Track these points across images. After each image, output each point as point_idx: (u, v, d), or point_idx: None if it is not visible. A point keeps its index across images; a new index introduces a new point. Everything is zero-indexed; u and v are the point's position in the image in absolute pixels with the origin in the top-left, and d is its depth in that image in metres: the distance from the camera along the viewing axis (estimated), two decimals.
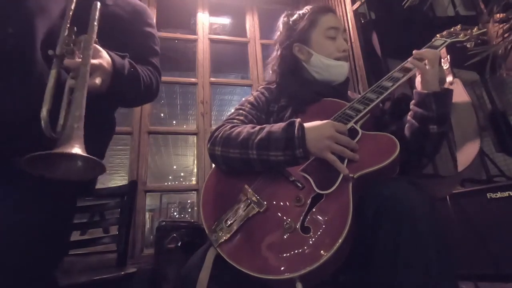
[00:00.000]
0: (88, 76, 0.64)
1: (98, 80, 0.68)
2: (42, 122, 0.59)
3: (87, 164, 0.56)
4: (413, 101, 0.79)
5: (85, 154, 0.53)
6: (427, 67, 0.76)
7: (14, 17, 0.66)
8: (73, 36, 0.67)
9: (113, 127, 0.93)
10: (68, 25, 0.67)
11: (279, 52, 0.95)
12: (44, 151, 0.49)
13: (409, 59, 0.81)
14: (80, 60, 0.65)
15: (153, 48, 0.95)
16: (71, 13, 0.68)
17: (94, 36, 0.69)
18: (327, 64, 0.88)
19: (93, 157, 0.54)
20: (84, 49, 0.66)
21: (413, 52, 0.81)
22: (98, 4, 0.74)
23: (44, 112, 0.60)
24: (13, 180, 0.64)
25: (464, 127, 0.85)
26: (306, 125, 0.67)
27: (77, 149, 0.53)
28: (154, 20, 1.01)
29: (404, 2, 1.34)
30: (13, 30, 0.65)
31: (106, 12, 0.78)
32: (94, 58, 0.68)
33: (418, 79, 0.79)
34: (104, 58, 0.70)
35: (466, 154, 0.81)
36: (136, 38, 0.90)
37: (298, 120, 0.68)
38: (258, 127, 0.72)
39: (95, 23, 0.71)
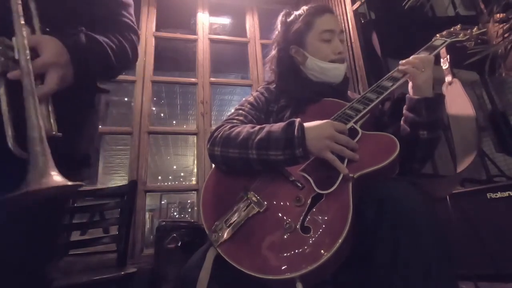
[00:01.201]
0: (33, 85, 0.55)
1: (54, 81, 0.59)
2: (13, 150, 0.54)
3: (63, 188, 0.51)
4: (405, 106, 0.79)
5: (58, 185, 0.49)
6: (417, 72, 0.76)
7: None
8: (4, 43, 0.56)
9: (96, 115, 0.82)
10: None
11: (276, 52, 0.95)
12: (14, 194, 0.46)
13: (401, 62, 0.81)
14: (19, 70, 0.55)
15: (121, 2, 0.81)
16: None
17: (24, 33, 0.57)
18: (322, 67, 0.88)
19: (67, 183, 0.50)
20: (19, 54, 0.55)
21: (399, 62, 0.80)
22: None
23: (11, 141, 0.54)
24: None
25: (463, 127, 0.85)
26: (306, 124, 0.67)
27: (48, 181, 0.49)
28: None
29: (404, 3, 1.34)
30: None
31: None
32: (39, 53, 0.58)
33: (410, 84, 0.78)
34: (50, 49, 0.59)
35: (465, 155, 0.81)
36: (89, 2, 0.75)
37: (298, 120, 0.68)
38: (257, 127, 0.72)
39: (20, 13, 0.57)
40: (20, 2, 0.58)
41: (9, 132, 0.54)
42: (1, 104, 0.55)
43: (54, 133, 0.59)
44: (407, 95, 0.78)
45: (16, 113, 0.55)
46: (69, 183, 0.50)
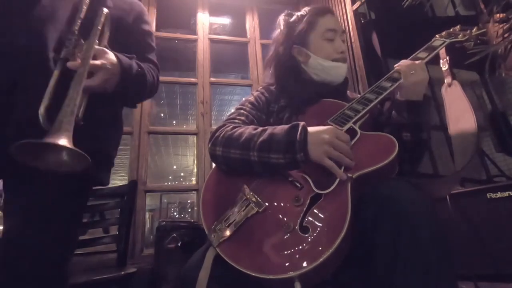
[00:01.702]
0: (85, 75, 0.68)
1: (98, 79, 0.72)
2: (40, 118, 0.63)
3: (72, 155, 0.59)
4: (391, 105, 0.80)
5: (68, 145, 0.56)
6: (407, 73, 0.76)
7: (24, 28, 0.70)
8: (77, 41, 0.72)
9: (121, 126, 0.96)
10: (75, 31, 0.72)
11: (277, 52, 0.95)
12: (28, 140, 0.54)
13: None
14: (80, 61, 0.70)
15: (151, 45, 0.99)
16: (79, 21, 0.74)
17: (96, 38, 0.74)
18: (325, 65, 0.89)
19: (75, 149, 0.57)
20: (85, 51, 0.71)
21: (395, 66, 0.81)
22: (105, 10, 0.79)
23: (41, 109, 0.64)
24: (32, 177, 0.69)
25: (462, 128, 0.85)
26: (309, 129, 0.67)
27: (62, 141, 0.56)
28: (150, 18, 1.05)
29: (403, 2, 1.34)
30: (25, 41, 0.70)
31: (109, 16, 0.82)
32: (97, 59, 0.72)
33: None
34: (108, 59, 0.74)
35: (463, 154, 0.81)
36: (136, 37, 0.94)
37: (302, 123, 0.68)
38: (260, 128, 0.72)
39: (99, 27, 0.76)
40: (102, 22, 0.78)
41: (45, 103, 0.64)
42: (50, 81, 0.67)
43: (79, 120, 0.68)
44: (396, 96, 0.79)
45: (57, 95, 0.65)
46: (74, 148, 0.57)
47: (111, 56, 0.76)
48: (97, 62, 0.72)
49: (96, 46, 0.74)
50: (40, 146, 0.57)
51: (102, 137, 0.82)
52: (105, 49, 0.76)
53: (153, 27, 2.24)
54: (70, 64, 0.69)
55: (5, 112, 0.69)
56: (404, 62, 0.79)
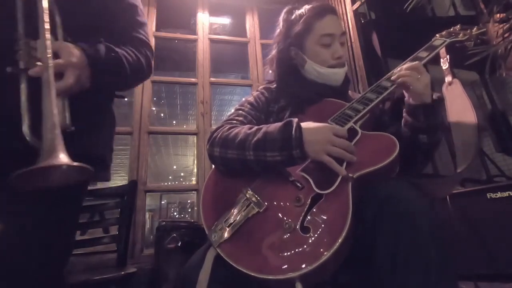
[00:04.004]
0: (51, 80, 0.61)
1: (71, 79, 0.65)
2: (27, 138, 0.59)
3: (73, 170, 0.55)
4: (404, 109, 0.78)
5: (66, 163, 0.53)
6: (414, 80, 0.73)
7: None
8: (27, 43, 0.63)
9: (113, 119, 0.90)
10: (20, 33, 0.63)
11: (276, 53, 0.94)
12: (24, 169, 0.49)
13: (408, 59, 0.81)
14: (41, 65, 0.61)
15: (137, 20, 0.88)
16: (21, 20, 0.64)
17: (47, 34, 0.64)
18: (320, 72, 0.87)
19: (75, 164, 0.53)
20: (41, 53, 0.62)
21: (392, 77, 0.77)
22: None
23: (25, 129, 0.59)
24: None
25: (463, 127, 0.85)
26: (303, 125, 0.67)
27: (56, 160, 0.52)
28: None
29: (406, 5, 1.34)
30: None
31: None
32: (59, 57, 0.65)
33: (409, 92, 0.76)
34: (71, 53, 0.66)
35: (465, 155, 0.81)
36: (116, 14, 0.83)
37: (295, 120, 0.68)
38: (255, 127, 0.72)
39: (45, 20, 0.64)
40: (47, 11, 0.65)
41: (26, 121, 0.59)
42: (21, 97, 0.61)
43: (67, 126, 0.63)
44: (406, 99, 0.77)
45: (34, 108, 0.60)
46: (76, 163, 0.53)
47: (73, 48, 0.67)
48: (60, 60, 0.64)
49: (51, 42, 0.64)
50: (37, 171, 0.52)
51: (93, 137, 0.78)
52: (63, 42, 0.68)
53: (153, 26, 2.24)
54: (31, 72, 0.61)
55: None
56: (404, 72, 0.75)
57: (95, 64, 0.70)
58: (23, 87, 0.61)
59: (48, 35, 0.64)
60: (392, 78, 0.77)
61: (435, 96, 0.75)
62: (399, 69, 0.78)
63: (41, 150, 0.54)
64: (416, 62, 0.78)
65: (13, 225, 0.67)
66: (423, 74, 0.74)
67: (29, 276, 0.64)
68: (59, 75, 0.64)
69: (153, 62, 0.90)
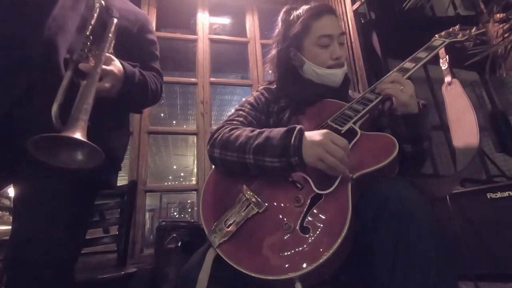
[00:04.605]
0: (97, 78, 0.71)
1: (108, 84, 0.75)
2: (53, 116, 0.64)
3: (86, 151, 0.60)
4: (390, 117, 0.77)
5: (83, 139, 0.58)
6: (398, 92, 0.72)
7: (37, 39, 0.73)
8: (89, 46, 0.76)
9: (128, 131, 0.99)
10: (88, 36, 0.77)
11: (276, 53, 0.94)
12: (45, 134, 0.55)
13: (408, 59, 0.81)
14: (93, 64, 0.73)
15: (155, 53, 1.03)
16: (90, 28, 0.78)
17: (108, 45, 0.79)
18: (319, 73, 0.87)
19: (91, 143, 0.58)
20: (97, 56, 0.76)
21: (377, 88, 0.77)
22: (115, 20, 0.85)
23: (54, 108, 0.65)
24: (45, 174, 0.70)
25: (462, 128, 0.85)
26: (306, 133, 0.66)
27: (77, 134, 0.58)
28: (154, 26, 1.08)
29: (404, 4, 1.34)
30: (40, 50, 0.72)
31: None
32: (106, 65, 0.76)
33: (395, 103, 0.74)
34: (116, 66, 0.78)
35: (465, 155, 0.81)
36: (140, 46, 0.97)
37: (298, 127, 0.66)
38: (257, 131, 0.71)
39: (110, 35, 0.81)
40: (115, 30, 0.83)
41: (58, 100, 0.66)
42: (63, 81, 0.69)
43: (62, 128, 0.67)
44: (392, 108, 0.75)
45: (68, 97, 0.67)
46: (91, 143, 0.58)
47: (118, 63, 0.79)
48: (107, 67, 0.75)
49: (106, 53, 0.78)
50: (56, 140, 0.58)
51: (109, 139, 0.83)
52: (112, 56, 0.79)
53: (155, 34, 2.24)
54: (82, 65, 0.72)
55: (21, 113, 0.71)
56: (386, 85, 0.74)
57: (128, 82, 0.81)
58: (68, 74, 0.71)
59: (108, 46, 0.79)
60: (376, 91, 0.77)
61: (421, 104, 0.74)
62: (381, 81, 0.77)
63: (67, 124, 0.60)
64: (396, 73, 0.77)
65: (25, 221, 0.72)
66: (406, 85, 0.72)
67: (39, 270, 0.69)
68: (99, 78, 0.73)
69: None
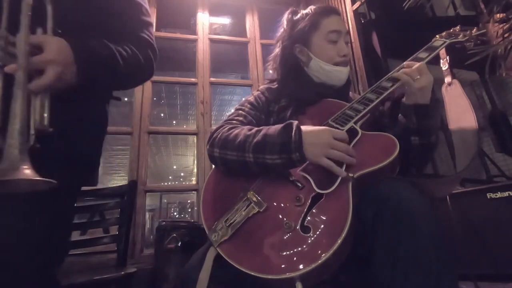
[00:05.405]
0: (24, 79, 0.57)
1: (51, 76, 0.60)
2: None
3: (31, 183, 0.52)
4: (400, 110, 0.78)
5: (21, 177, 0.49)
6: (410, 81, 0.73)
7: None
8: (7, 40, 0.58)
9: (105, 121, 0.83)
10: (1, 29, 0.59)
11: (280, 51, 0.95)
12: None
13: (408, 59, 0.81)
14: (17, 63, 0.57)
15: (142, 20, 0.84)
16: (4, 16, 0.59)
17: (27, 29, 0.59)
18: (326, 69, 0.88)
19: (32, 178, 0.50)
20: (18, 49, 0.58)
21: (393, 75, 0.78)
22: None
23: None
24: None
25: (462, 128, 0.85)
26: (303, 128, 0.67)
27: (13, 174, 0.49)
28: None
29: (404, 4, 1.34)
30: None
31: None
32: (41, 52, 0.60)
33: (406, 91, 0.76)
34: (53, 48, 0.61)
35: (465, 155, 0.81)
36: (119, 12, 0.79)
37: (295, 122, 0.67)
38: (255, 129, 0.72)
39: (28, 13, 0.60)
40: (31, 2, 0.60)
41: None
42: None
43: (45, 128, 0.59)
44: (402, 99, 0.77)
45: (7, 107, 0.55)
46: (38, 178, 0.50)
47: (58, 43, 0.62)
48: (39, 56, 0.59)
49: (36, 36, 0.61)
50: None
51: (79, 139, 0.72)
52: (48, 36, 0.62)
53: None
54: (6, 69, 0.57)
55: None
56: (405, 70, 0.76)
57: (83, 60, 0.65)
58: None
59: (27, 31, 0.59)
60: (394, 75, 0.78)
61: (433, 100, 0.75)
62: (405, 63, 0.79)
63: (3, 157, 0.51)
64: (420, 63, 0.77)
65: None
66: (424, 76, 0.73)
67: (12, 276, 0.60)
68: (40, 72, 0.59)
69: (155, 64, 0.86)
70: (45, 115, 0.60)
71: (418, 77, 0.73)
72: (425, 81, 0.73)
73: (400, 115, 0.78)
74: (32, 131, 0.57)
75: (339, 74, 0.88)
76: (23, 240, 0.62)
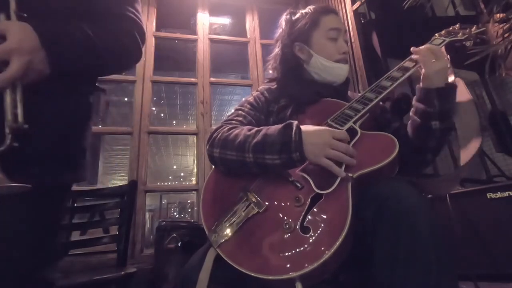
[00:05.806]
0: None
1: (16, 67, 0.54)
2: None
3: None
4: (415, 97, 0.78)
5: None
6: (427, 62, 0.74)
7: None
8: None
9: (87, 112, 0.75)
10: None
11: (280, 50, 0.95)
12: None
13: (408, 58, 0.81)
14: None
15: None
16: None
17: None
18: (327, 66, 0.88)
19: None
20: None
21: (411, 49, 0.80)
22: None
23: None
24: None
25: (466, 125, 0.85)
26: (303, 128, 0.67)
27: None
28: None
29: (404, 3, 1.34)
30: None
31: None
32: (3, 41, 0.55)
33: (422, 75, 0.77)
34: (14, 35, 0.55)
35: (467, 152, 0.81)
36: None
37: (295, 122, 0.67)
38: (255, 129, 0.72)
39: None
40: None
41: None
42: None
43: (19, 125, 0.55)
44: (418, 85, 0.77)
45: None
46: (8, 184, 0.47)
47: (20, 29, 0.56)
48: (2, 46, 0.54)
49: None
50: None
51: (58, 134, 0.66)
52: (10, 22, 0.56)
53: (153, 26, 2.24)
54: None
55: None
56: (421, 51, 0.77)
57: (50, 43, 0.58)
58: None
59: None
60: (413, 56, 0.79)
61: (448, 84, 0.75)
62: (423, 47, 0.79)
63: None
64: (436, 46, 0.79)
65: None
66: (439, 59, 0.74)
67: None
68: (5, 63, 0.54)
69: (144, 44, 0.79)
70: (19, 111, 0.55)
71: (434, 60, 0.74)
72: (441, 65, 0.74)
73: (415, 102, 0.77)
74: (7, 130, 0.54)
75: (339, 71, 0.89)
76: (4, 243, 0.58)
